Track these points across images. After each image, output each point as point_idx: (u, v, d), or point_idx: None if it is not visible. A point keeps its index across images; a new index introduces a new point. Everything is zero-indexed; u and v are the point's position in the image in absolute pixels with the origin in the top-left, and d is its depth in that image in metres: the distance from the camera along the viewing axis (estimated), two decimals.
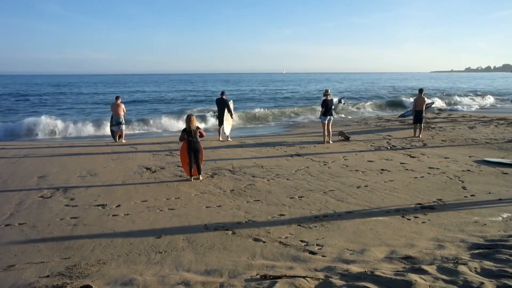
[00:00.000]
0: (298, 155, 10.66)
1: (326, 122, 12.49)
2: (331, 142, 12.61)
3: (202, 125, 14.77)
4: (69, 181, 8.04)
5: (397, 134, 14.59)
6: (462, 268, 3.65)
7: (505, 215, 5.80)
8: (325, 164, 9.40)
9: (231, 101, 13.95)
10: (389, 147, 11.74)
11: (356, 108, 26.75)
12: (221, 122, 13.29)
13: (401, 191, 7.15)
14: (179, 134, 8.22)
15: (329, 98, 12.42)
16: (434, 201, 6.52)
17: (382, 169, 8.82)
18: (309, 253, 4.52)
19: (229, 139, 13.33)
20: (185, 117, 8.25)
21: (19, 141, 14.51)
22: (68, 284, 3.83)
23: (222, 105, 13.07)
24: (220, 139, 13.29)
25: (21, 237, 5.17)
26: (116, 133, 13.21)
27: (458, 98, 31.99)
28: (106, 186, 7.66)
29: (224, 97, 13.20)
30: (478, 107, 28.34)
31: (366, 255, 4.42)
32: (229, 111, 13.15)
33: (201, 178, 8.09)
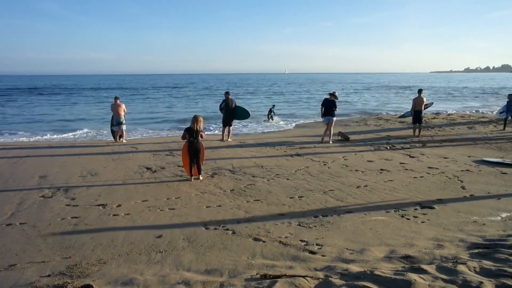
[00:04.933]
0: (298, 155, 10.68)
1: (327, 122, 12.52)
2: (330, 142, 12.62)
3: None
4: (70, 181, 8.05)
5: (396, 134, 14.62)
6: (461, 267, 3.66)
7: (504, 215, 5.82)
8: (325, 164, 9.42)
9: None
10: (388, 147, 11.76)
11: None
12: (226, 123, 13.29)
13: (401, 191, 7.17)
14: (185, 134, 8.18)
15: (330, 98, 12.42)
16: (433, 201, 6.54)
17: (382, 169, 8.84)
18: (309, 253, 4.54)
19: (229, 139, 13.34)
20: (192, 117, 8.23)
21: (20, 141, 14.53)
22: (69, 283, 3.84)
23: (229, 105, 13.09)
24: (229, 139, 13.29)
25: (22, 236, 5.19)
26: (116, 133, 13.23)
27: None
28: (106, 186, 7.67)
29: (229, 96, 13.23)
30: None
31: (366, 254, 4.43)
32: (242, 109, 13.24)
33: (201, 178, 8.11)
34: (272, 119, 20.84)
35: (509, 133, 14.33)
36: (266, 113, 21.82)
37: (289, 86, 72.52)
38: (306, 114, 24.56)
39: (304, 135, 14.97)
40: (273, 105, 22.65)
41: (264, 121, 20.80)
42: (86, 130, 17.56)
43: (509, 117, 15.16)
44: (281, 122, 20.42)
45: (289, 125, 19.50)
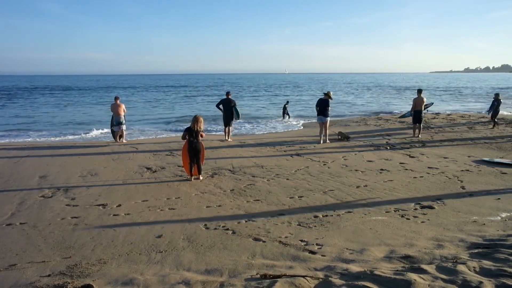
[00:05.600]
0: (298, 155, 10.68)
1: (320, 122, 12.54)
2: (328, 141, 12.63)
3: None
4: (70, 181, 8.06)
5: (396, 134, 14.62)
6: (461, 267, 3.67)
7: (503, 215, 5.83)
8: (324, 164, 9.42)
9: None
10: (388, 147, 11.77)
11: None
12: (226, 123, 13.30)
13: (401, 191, 7.17)
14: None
15: (324, 97, 12.44)
16: (433, 201, 6.54)
17: (382, 169, 8.84)
18: (308, 253, 4.54)
19: (229, 139, 13.35)
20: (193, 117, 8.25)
21: (20, 141, 14.52)
22: (69, 283, 3.85)
23: (228, 105, 13.09)
24: (229, 139, 13.28)
25: (22, 236, 5.19)
26: (116, 133, 13.23)
27: None
28: (106, 186, 7.68)
29: (230, 96, 13.24)
30: None
31: (366, 254, 4.44)
32: (236, 111, 13.21)
33: (201, 178, 8.11)
34: (288, 116, 20.97)
35: (509, 133, 14.33)
36: (271, 113, 21.97)
37: (290, 86, 72.62)
38: (310, 114, 24.52)
39: (305, 135, 14.98)
40: (287, 102, 22.57)
41: (283, 119, 21.13)
42: (106, 130, 17.25)
43: (489, 114, 15.99)
44: (293, 122, 20.52)
45: (298, 125, 19.51)
